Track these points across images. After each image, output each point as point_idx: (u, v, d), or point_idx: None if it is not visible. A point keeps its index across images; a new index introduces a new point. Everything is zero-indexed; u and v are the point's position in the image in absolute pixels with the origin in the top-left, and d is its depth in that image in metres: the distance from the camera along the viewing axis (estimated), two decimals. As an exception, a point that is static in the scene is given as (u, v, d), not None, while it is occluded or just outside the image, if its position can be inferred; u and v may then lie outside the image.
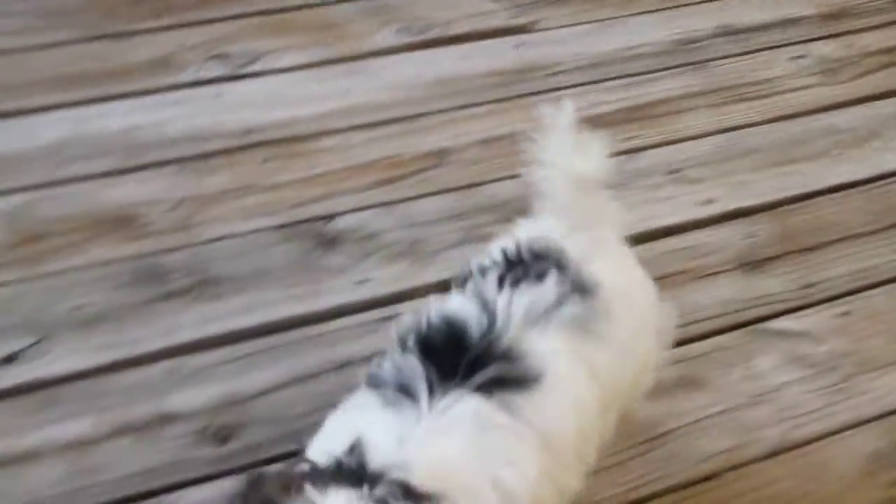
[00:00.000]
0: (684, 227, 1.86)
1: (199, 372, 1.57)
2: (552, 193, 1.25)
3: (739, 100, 2.16)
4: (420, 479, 0.99)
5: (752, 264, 1.80)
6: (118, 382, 1.55)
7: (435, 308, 1.19)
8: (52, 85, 2.06)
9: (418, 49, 2.23)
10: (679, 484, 1.47)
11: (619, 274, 1.25)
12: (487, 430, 1.08)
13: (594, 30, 2.32)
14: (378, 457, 1.01)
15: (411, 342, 1.14)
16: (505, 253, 1.23)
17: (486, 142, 2.00)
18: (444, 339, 1.13)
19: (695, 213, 1.89)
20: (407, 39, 2.25)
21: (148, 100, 2.05)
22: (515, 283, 1.17)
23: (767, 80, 2.21)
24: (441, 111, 2.07)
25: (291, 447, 1.29)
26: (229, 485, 1.41)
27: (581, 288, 1.18)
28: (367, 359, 1.54)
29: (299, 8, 2.32)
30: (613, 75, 2.19)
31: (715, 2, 2.44)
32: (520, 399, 1.10)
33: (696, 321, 1.68)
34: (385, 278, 1.73)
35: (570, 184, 1.24)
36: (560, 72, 2.19)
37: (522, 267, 1.20)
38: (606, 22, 2.34)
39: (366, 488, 0.96)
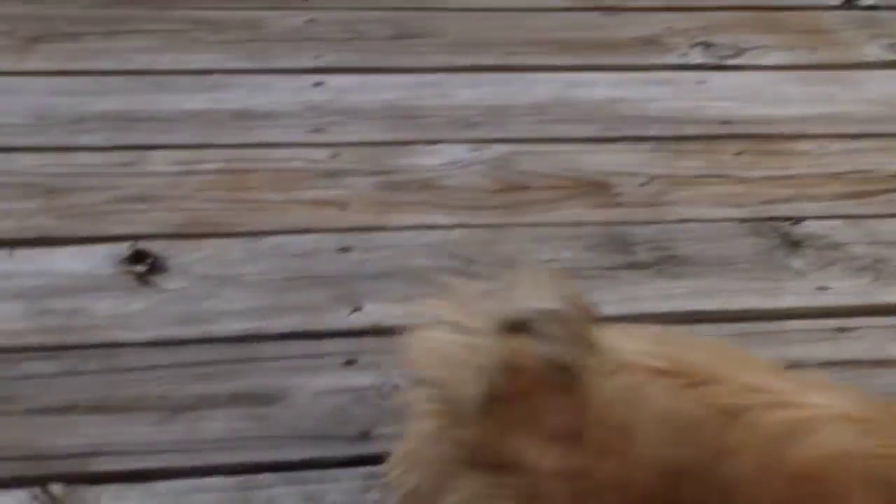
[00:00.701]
0: None
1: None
2: None
3: None
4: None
5: None
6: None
7: None
8: (546, 47, 2.17)
9: (907, 67, 2.19)
10: None
11: None
12: None
13: None
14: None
15: None
16: None
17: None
18: None
19: None
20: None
21: (632, 75, 2.12)
22: None
23: None
24: (923, 134, 2.03)
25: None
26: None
27: None
28: (819, 365, 1.55)
29: (791, 8, 2.33)
30: None
31: None
32: None
33: None
34: (845, 290, 1.73)
35: None
36: None
37: None
38: None
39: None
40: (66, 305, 1.61)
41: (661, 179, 1.90)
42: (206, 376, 1.51)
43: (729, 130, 2.01)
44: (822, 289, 1.73)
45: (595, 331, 1.06)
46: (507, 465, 1.05)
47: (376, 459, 1.19)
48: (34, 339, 1.56)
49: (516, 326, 1.03)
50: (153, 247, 1.69)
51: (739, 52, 2.20)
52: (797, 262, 1.77)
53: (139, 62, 2.05)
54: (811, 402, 1.05)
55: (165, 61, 2.06)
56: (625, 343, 1.08)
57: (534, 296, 1.05)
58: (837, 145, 2.00)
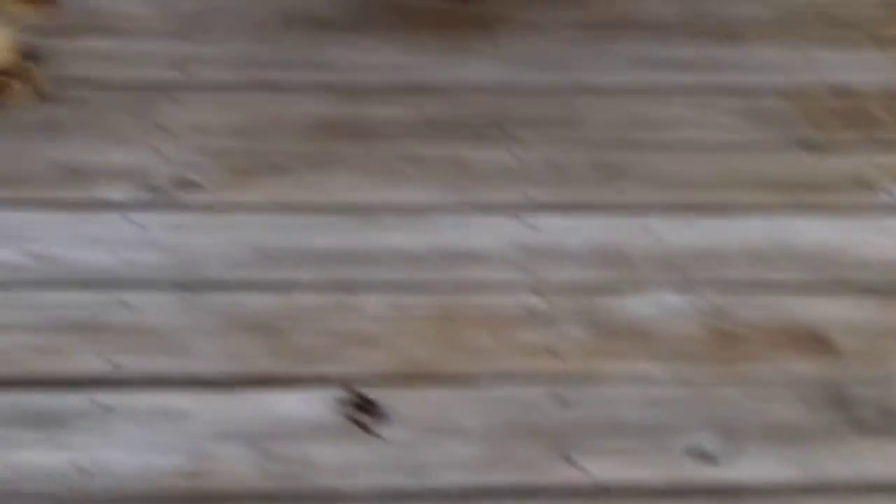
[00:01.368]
0: None
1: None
2: None
3: None
4: None
5: None
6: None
7: None
8: (752, 186, 2.15)
9: None
10: None
11: None
12: None
13: None
14: None
15: None
16: None
17: None
18: None
19: None
20: None
21: (843, 218, 2.09)
22: None
23: None
24: None
25: None
26: None
27: None
28: None
29: None
30: None
31: None
32: None
33: None
34: None
35: None
36: None
37: None
38: None
39: None
40: (288, 450, 1.64)
41: (883, 334, 1.86)
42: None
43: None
44: None
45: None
46: None
47: None
48: (257, 484, 1.60)
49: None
50: (372, 392, 1.72)
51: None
52: None
53: (348, 197, 2.09)
54: None
55: (373, 197, 2.09)
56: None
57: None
58: None
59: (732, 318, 1.88)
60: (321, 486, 1.60)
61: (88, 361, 1.77)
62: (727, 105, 2.34)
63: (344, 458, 1.63)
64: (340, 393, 1.72)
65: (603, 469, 1.63)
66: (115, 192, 2.07)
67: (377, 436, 1.66)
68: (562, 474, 1.63)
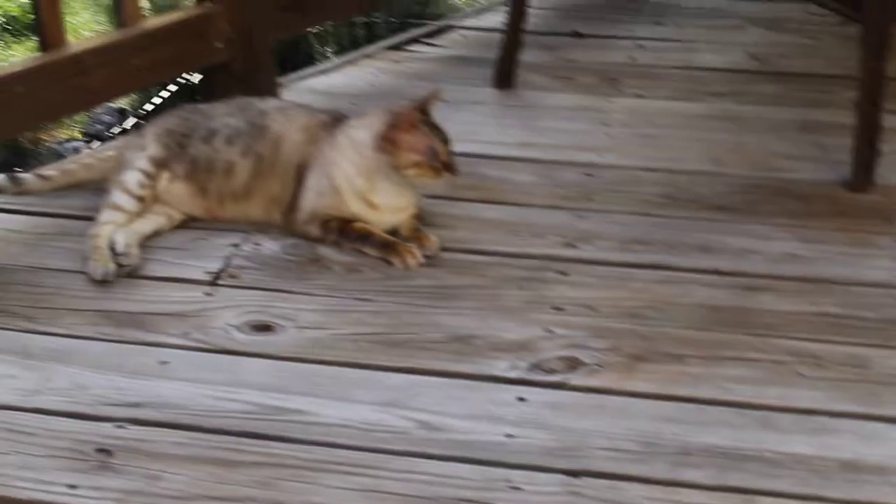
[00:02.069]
0: None
1: None
2: None
3: None
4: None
5: None
6: None
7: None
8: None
9: None
10: None
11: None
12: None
13: None
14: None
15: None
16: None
17: None
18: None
19: None
20: None
21: None
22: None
23: None
24: None
25: None
26: None
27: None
28: None
29: None
30: None
31: None
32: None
33: None
34: None
35: None
36: None
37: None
38: None
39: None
40: None
41: None
42: None
43: None
44: None
45: None
46: None
47: None
48: None
49: None
50: None
51: None
52: None
53: (742, 393, 1.99)
54: None
55: (769, 395, 1.98)
56: None
57: None
58: None
59: None
60: None
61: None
62: None
63: None
64: None
65: None
66: (504, 366, 2.05)
67: None
68: None
